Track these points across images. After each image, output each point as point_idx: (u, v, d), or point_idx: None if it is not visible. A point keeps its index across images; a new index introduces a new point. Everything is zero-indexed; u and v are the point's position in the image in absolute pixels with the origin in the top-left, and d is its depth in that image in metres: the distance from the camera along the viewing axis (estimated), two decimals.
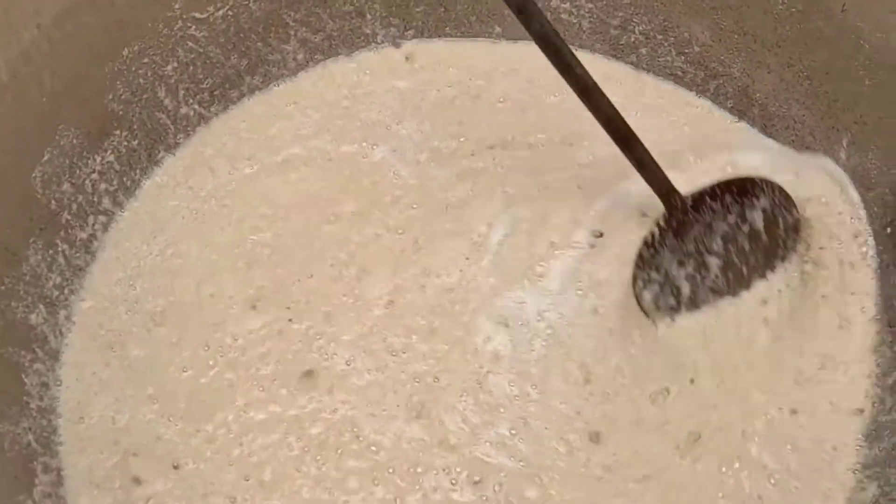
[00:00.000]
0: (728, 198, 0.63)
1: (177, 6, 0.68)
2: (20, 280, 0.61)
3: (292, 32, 0.74)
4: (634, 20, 0.74)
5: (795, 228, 0.64)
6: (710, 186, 0.63)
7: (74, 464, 0.60)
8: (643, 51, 0.75)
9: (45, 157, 0.63)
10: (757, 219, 0.63)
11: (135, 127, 0.69)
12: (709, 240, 0.63)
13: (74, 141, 0.65)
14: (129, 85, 0.68)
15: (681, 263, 0.63)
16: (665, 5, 0.72)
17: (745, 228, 0.63)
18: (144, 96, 0.69)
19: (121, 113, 0.68)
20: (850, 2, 0.62)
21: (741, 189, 0.63)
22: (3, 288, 0.59)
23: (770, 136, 0.72)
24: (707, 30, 0.72)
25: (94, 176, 0.67)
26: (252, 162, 0.72)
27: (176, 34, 0.69)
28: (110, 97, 0.67)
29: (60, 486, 0.59)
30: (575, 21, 0.75)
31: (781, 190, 0.63)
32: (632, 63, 0.76)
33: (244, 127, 0.74)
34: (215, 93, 0.73)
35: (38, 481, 0.58)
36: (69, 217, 0.65)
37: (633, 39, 0.75)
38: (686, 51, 0.74)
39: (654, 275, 0.63)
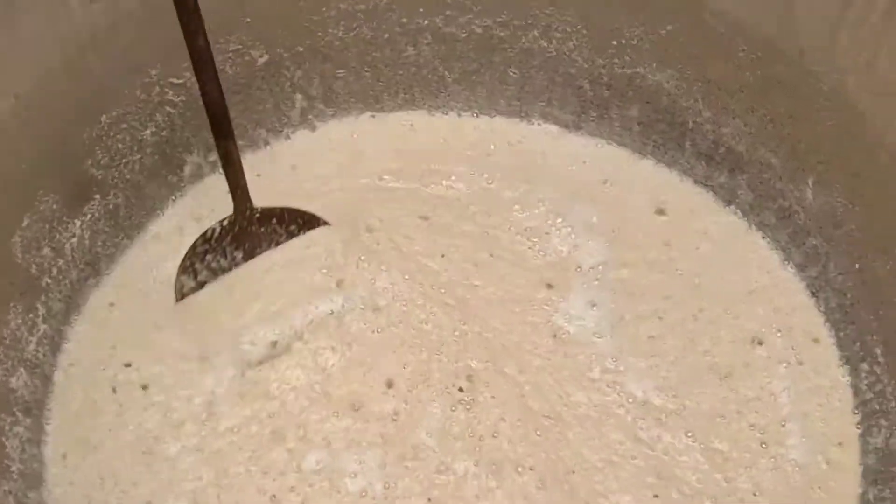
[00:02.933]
0: (293, 226, 0.69)
1: (154, 72, 0.70)
2: (0, 344, 0.62)
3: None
4: (602, 73, 0.76)
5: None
6: (281, 208, 0.68)
7: None
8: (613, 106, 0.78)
9: (25, 223, 0.64)
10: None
11: (114, 191, 0.70)
12: (251, 249, 0.68)
13: (54, 206, 0.66)
14: (107, 150, 0.69)
15: (220, 257, 0.68)
16: (632, 57, 0.74)
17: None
18: (123, 160, 0.71)
19: (100, 178, 0.69)
20: (806, 46, 0.64)
21: (307, 222, 0.69)
22: None
23: (739, 178, 0.74)
24: (672, 79, 0.74)
25: (74, 241, 0.68)
26: None
27: (154, 99, 0.71)
28: (89, 163, 0.68)
29: None
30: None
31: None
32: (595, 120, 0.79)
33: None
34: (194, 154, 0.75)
35: None
36: (49, 281, 0.66)
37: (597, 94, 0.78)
38: (650, 100, 0.76)
39: (197, 263, 0.67)
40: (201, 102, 0.72)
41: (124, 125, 0.69)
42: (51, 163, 0.65)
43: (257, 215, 0.68)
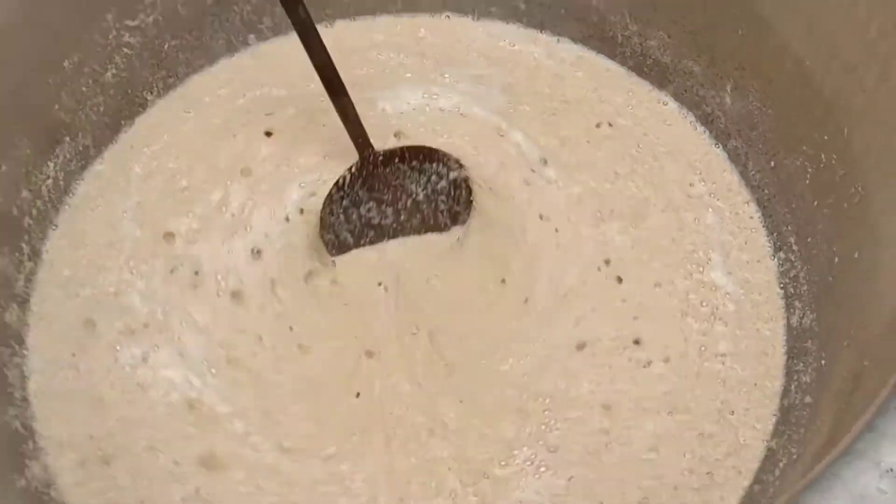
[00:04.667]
0: (414, 161, 0.72)
1: (109, 17, 0.73)
2: None
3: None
4: None
5: (468, 196, 0.74)
6: (401, 148, 0.72)
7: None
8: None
9: (3, 169, 0.68)
10: (434, 181, 0.73)
11: (82, 133, 0.75)
12: (390, 191, 0.73)
13: (27, 151, 0.70)
14: (72, 94, 0.73)
15: (363, 207, 0.72)
16: None
17: (423, 187, 0.73)
18: (88, 103, 0.75)
19: (68, 121, 0.73)
20: None
21: (427, 155, 0.72)
22: None
23: (664, 88, 0.80)
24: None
25: (49, 182, 0.73)
26: None
27: (111, 43, 0.74)
28: (56, 107, 0.72)
29: (47, 464, 0.65)
30: None
31: (458, 161, 0.73)
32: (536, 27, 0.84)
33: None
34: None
35: (27, 462, 0.64)
36: (30, 221, 0.71)
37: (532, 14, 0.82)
38: (585, 17, 0.81)
39: (339, 213, 0.72)
40: (156, 43, 0.78)
41: (86, 69, 0.73)
42: (21, 111, 0.69)
43: (381, 158, 0.71)
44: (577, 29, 0.82)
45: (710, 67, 0.76)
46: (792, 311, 0.69)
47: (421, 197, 0.73)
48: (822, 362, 0.63)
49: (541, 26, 0.84)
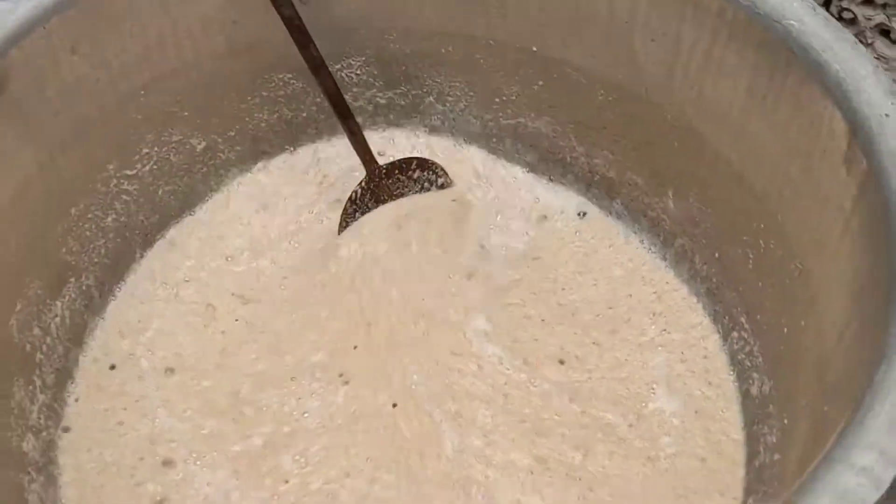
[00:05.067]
0: (409, 171, 0.88)
1: (111, 167, 0.80)
2: (10, 413, 0.71)
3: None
4: (491, 125, 0.91)
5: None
6: (399, 160, 0.88)
7: None
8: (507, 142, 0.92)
9: (18, 307, 0.73)
10: (426, 187, 0.90)
11: (85, 273, 0.81)
12: (392, 199, 0.88)
13: (38, 291, 0.75)
14: (77, 238, 0.79)
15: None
16: (513, 110, 0.89)
17: (417, 192, 0.89)
18: (91, 246, 0.81)
19: (73, 263, 0.79)
20: (649, 85, 0.80)
21: (419, 164, 0.89)
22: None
23: (614, 199, 0.89)
24: (548, 125, 0.89)
25: (57, 320, 0.77)
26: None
27: (112, 190, 0.81)
28: (63, 251, 0.78)
29: None
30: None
31: (443, 169, 0.90)
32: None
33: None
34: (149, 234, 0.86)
35: None
36: (42, 357, 0.75)
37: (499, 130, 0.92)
38: (534, 143, 0.91)
39: (351, 217, 0.87)
40: (151, 189, 0.85)
41: (89, 215, 0.80)
42: (33, 254, 0.74)
43: (384, 170, 0.87)
44: (530, 154, 0.92)
45: (651, 178, 0.85)
46: (751, 381, 0.77)
47: None
48: (785, 422, 0.69)
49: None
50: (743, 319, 0.79)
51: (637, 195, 0.88)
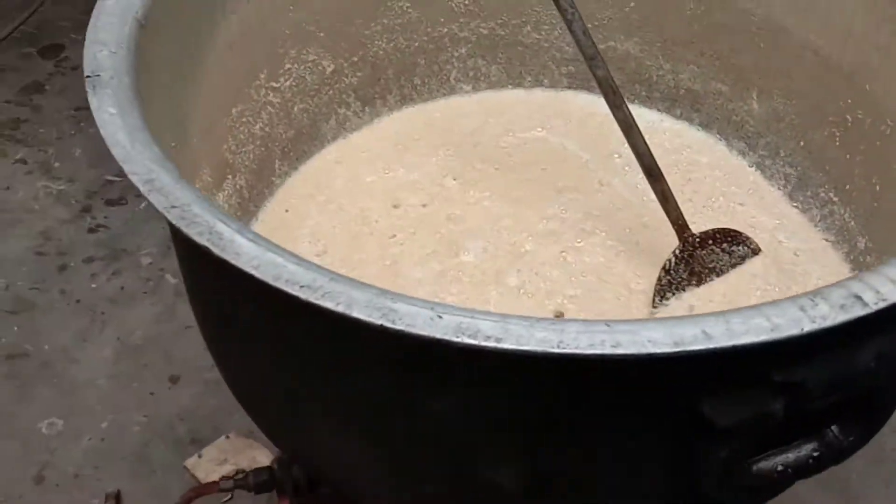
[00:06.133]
0: (724, 243, 0.83)
1: (262, 76, 0.89)
2: None
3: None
4: None
5: None
6: (713, 230, 0.83)
7: None
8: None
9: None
10: (738, 262, 0.84)
11: (240, 174, 0.89)
12: (705, 272, 0.82)
13: (208, 178, 0.83)
14: (235, 139, 0.88)
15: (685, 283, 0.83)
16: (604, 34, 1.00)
17: (730, 267, 0.84)
18: (243, 149, 0.89)
19: (231, 161, 0.87)
20: None
21: (733, 237, 0.84)
22: None
23: (698, 111, 1.00)
24: (636, 45, 1.00)
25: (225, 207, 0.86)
26: None
27: (261, 99, 0.90)
28: (224, 147, 0.86)
29: None
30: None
31: (757, 244, 0.85)
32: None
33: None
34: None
35: None
36: None
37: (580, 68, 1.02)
38: (622, 66, 1.01)
39: (667, 289, 0.82)
40: (289, 105, 0.94)
41: (244, 119, 0.88)
42: (205, 142, 0.83)
43: (698, 240, 0.81)
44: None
45: (736, 83, 0.96)
46: (848, 244, 0.86)
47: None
48: None
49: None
50: (832, 195, 0.89)
51: (721, 103, 0.98)
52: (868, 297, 0.46)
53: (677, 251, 0.82)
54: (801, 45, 0.88)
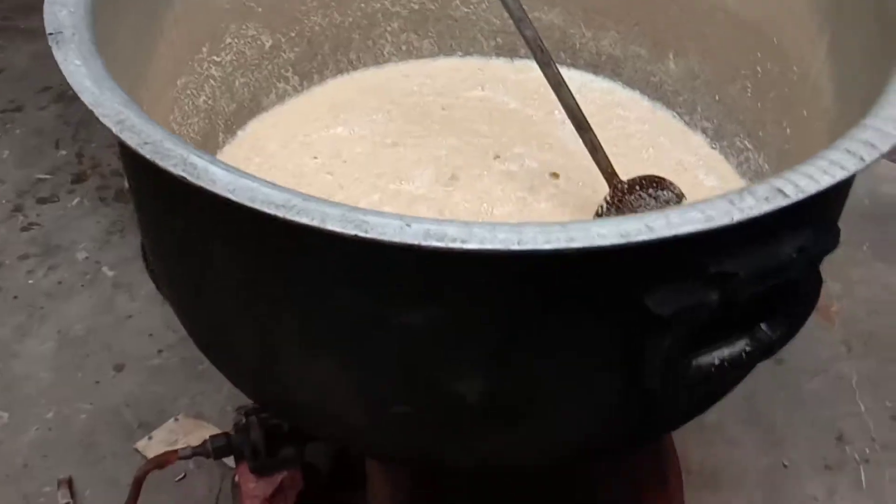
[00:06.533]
0: (650, 189, 0.88)
1: (204, 49, 0.92)
2: None
3: None
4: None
5: None
6: (640, 177, 0.88)
7: None
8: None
9: None
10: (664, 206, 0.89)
11: None
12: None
13: None
14: (180, 110, 0.90)
15: None
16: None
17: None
18: (188, 122, 0.92)
19: (176, 131, 0.90)
20: None
21: (659, 183, 0.89)
22: None
23: (619, 74, 1.06)
24: (559, 15, 1.05)
25: None
26: None
27: (204, 72, 0.93)
28: (171, 118, 0.89)
29: None
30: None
31: (681, 190, 0.90)
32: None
33: None
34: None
35: None
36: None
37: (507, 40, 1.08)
38: (547, 35, 1.07)
39: None
40: (230, 79, 0.97)
41: (188, 91, 0.91)
42: (153, 112, 0.85)
43: (626, 186, 0.86)
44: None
45: (654, 47, 1.02)
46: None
47: None
48: None
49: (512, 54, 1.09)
50: (746, 142, 0.96)
51: (640, 66, 1.04)
52: (789, 189, 0.52)
53: (608, 197, 0.88)
54: (712, 6, 0.94)
